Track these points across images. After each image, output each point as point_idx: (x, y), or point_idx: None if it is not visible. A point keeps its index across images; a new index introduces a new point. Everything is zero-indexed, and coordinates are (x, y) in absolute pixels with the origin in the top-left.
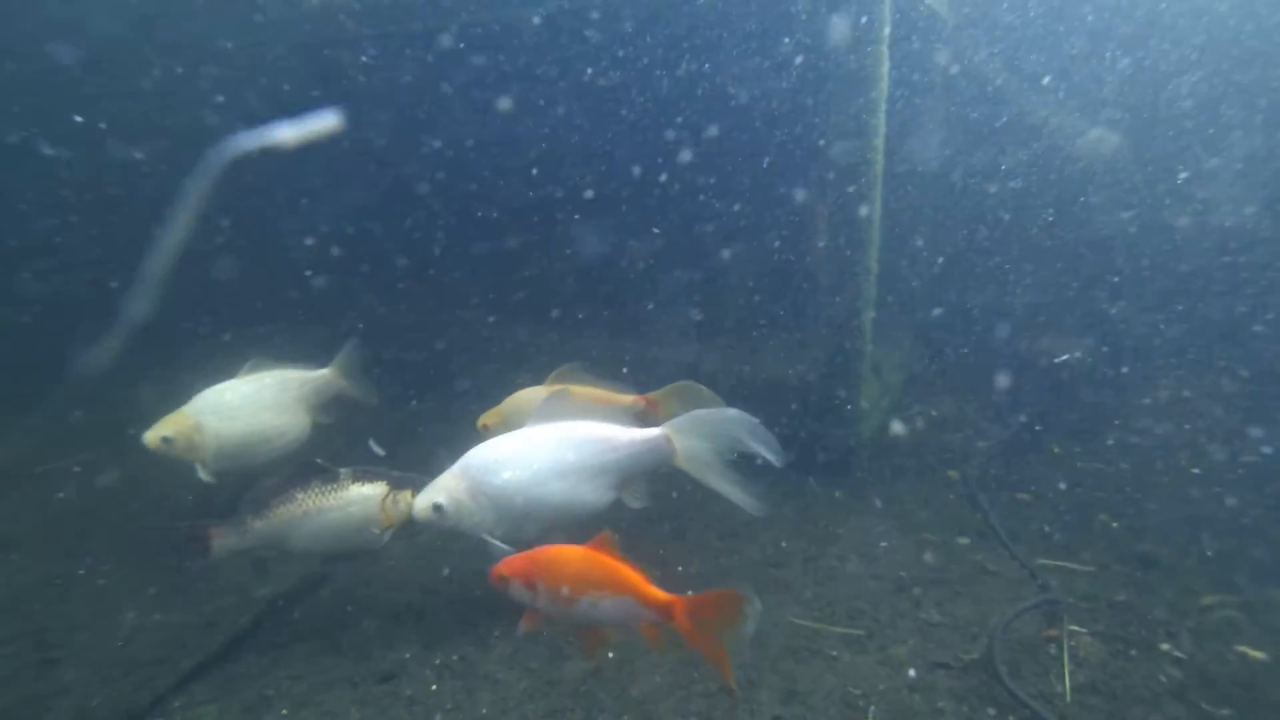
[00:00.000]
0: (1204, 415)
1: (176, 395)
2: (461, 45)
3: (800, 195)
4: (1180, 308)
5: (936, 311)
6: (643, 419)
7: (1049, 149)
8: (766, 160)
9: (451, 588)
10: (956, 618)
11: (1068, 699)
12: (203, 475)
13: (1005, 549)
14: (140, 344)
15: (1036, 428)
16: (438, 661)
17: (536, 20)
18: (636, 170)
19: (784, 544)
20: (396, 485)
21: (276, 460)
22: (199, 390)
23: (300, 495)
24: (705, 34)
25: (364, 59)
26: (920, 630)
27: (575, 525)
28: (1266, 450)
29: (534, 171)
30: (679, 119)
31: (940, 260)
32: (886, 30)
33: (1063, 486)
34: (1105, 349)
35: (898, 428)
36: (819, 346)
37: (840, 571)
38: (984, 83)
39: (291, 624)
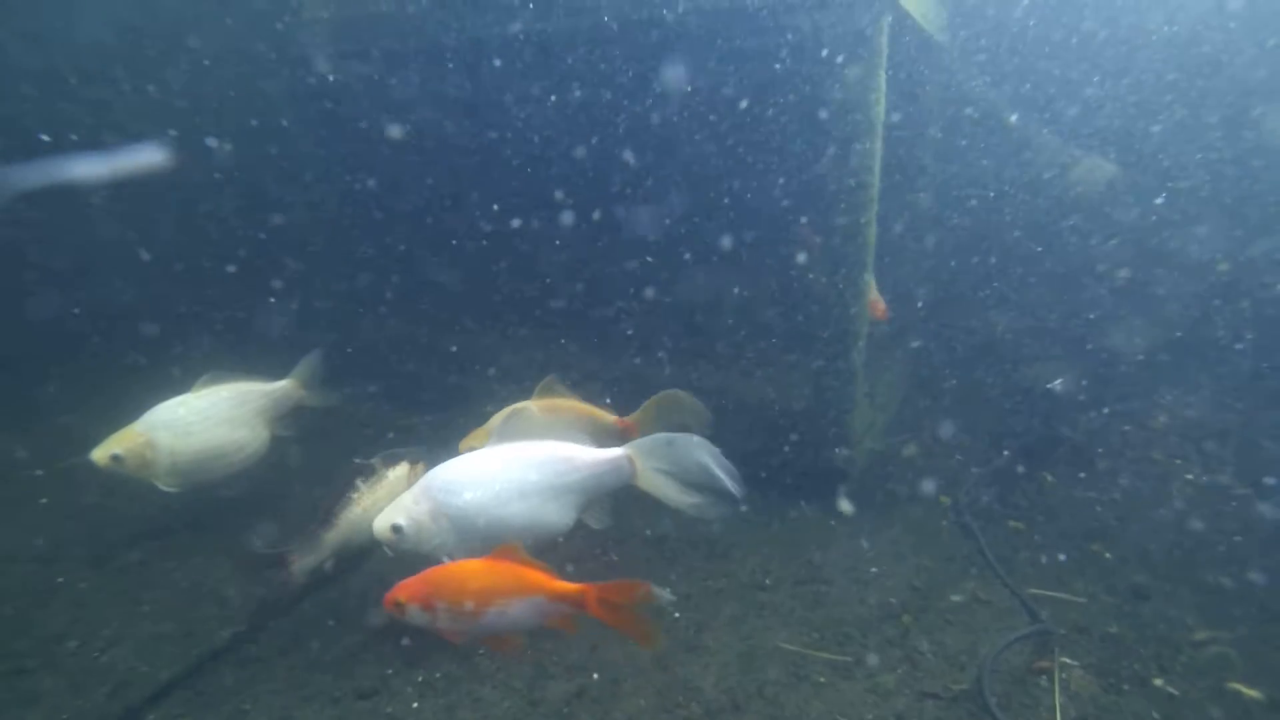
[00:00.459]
0: (1199, 446)
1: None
2: (448, 59)
3: (794, 220)
4: (1176, 336)
5: (930, 338)
6: (623, 439)
7: (1042, 177)
8: (760, 185)
9: None
10: (946, 646)
11: None
12: (164, 486)
13: (997, 577)
14: (135, 346)
15: (1030, 455)
16: (420, 679)
17: (520, 35)
18: (629, 194)
19: (773, 567)
20: (412, 460)
21: (235, 475)
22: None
23: (353, 495)
24: (698, 56)
25: (352, 74)
26: (909, 658)
27: (539, 546)
28: (1268, 481)
29: (524, 194)
30: (671, 144)
31: (934, 286)
32: (883, 56)
33: (1055, 515)
34: (1100, 377)
35: (890, 453)
36: (811, 371)
37: (829, 596)
38: (979, 109)
39: (272, 637)
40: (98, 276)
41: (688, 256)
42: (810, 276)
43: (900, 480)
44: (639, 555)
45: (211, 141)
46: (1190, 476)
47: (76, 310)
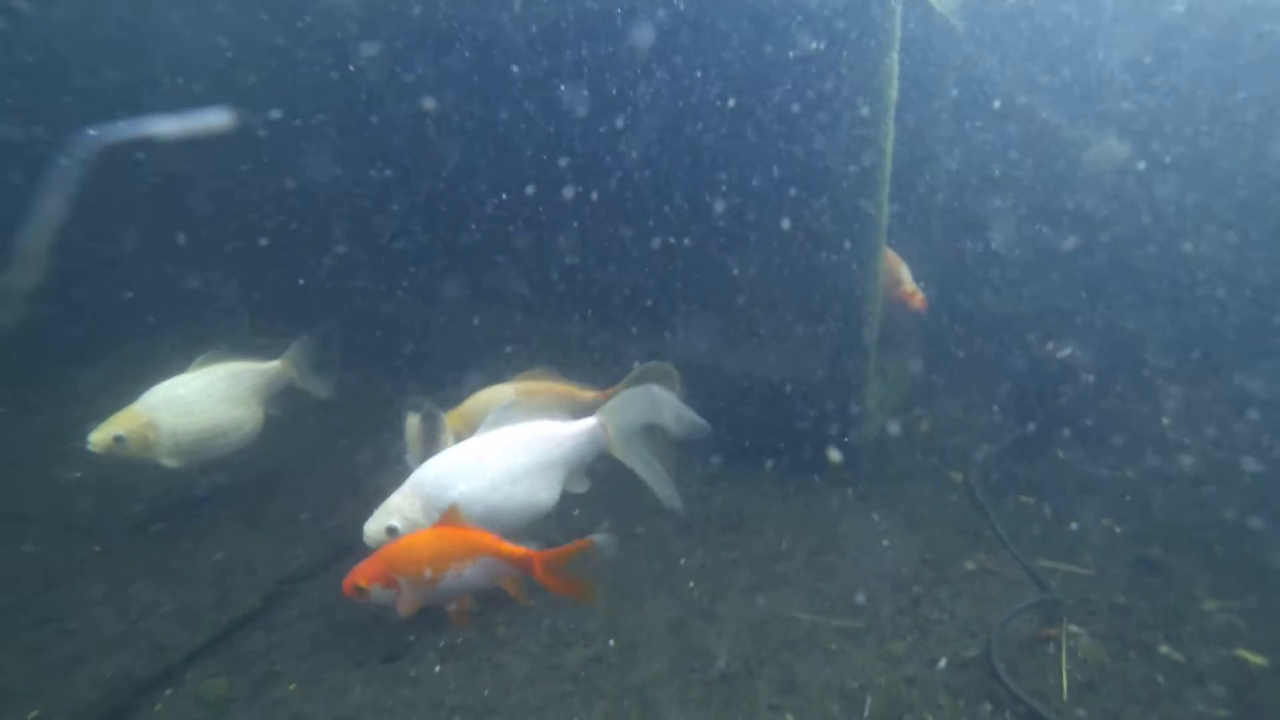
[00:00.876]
0: (1212, 423)
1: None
2: (456, 46)
3: (806, 200)
4: (1191, 314)
5: (943, 314)
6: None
7: (1057, 156)
8: (773, 161)
9: None
10: (956, 615)
11: (1064, 697)
12: (168, 462)
13: (1006, 550)
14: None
15: (1042, 432)
16: (441, 644)
17: (533, 26)
18: (640, 171)
19: (786, 539)
20: (413, 410)
21: (231, 455)
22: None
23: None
24: (711, 34)
25: (363, 59)
26: (920, 627)
27: (533, 526)
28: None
29: (536, 168)
30: (684, 121)
31: (947, 264)
32: (895, 37)
33: (1066, 490)
34: (1114, 355)
35: (902, 429)
36: (825, 347)
37: (841, 568)
38: (993, 90)
39: (299, 605)
40: (142, 261)
41: (700, 237)
42: (822, 256)
43: (912, 456)
44: (658, 529)
45: (240, 128)
46: (1202, 454)
47: (130, 294)
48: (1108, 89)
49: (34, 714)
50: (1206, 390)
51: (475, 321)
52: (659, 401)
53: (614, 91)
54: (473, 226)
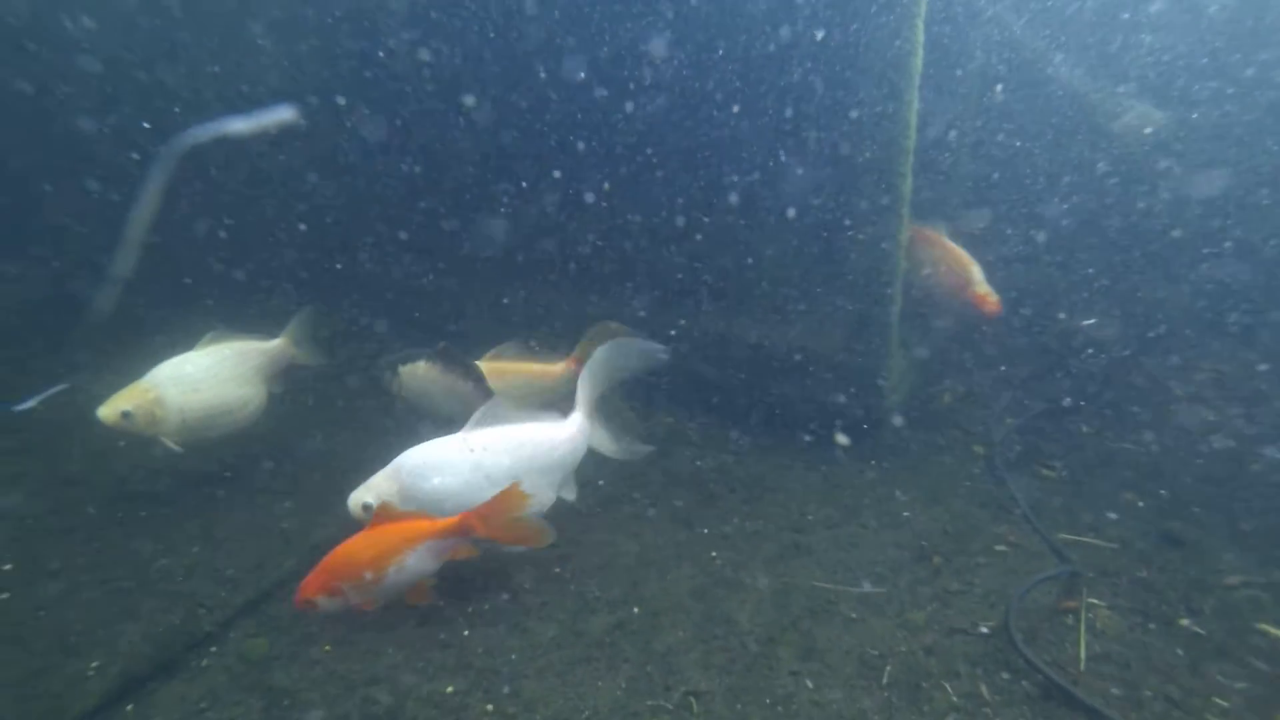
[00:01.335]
0: (1240, 399)
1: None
2: (463, 28)
3: (829, 173)
4: (1219, 290)
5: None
6: (574, 378)
7: (1088, 125)
8: (794, 136)
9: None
10: (976, 586)
11: (1082, 667)
12: (170, 445)
13: (1027, 522)
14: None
15: (1066, 406)
16: (470, 609)
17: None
18: (659, 150)
19: (809, 510)
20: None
21: (235, 433)
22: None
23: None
24: (729, 11)
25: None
26: (939, 597)
27: None
28: None
29: (555, 139)
30: (703, 99)
31: (972, 235)
32: (921, 5)
33: (1090, 465)
34: (1140, 327)
35: (925, 402)
36: (848, 319)
37: (862, 538)
38: (1021, 57)
39: None
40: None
41: (720, 214)
42: (844, 230)
43: (935, 429)
44: (679, 498)
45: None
46: (1230, 429)
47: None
48: (1135, 55)
49: (95, 664)
50: (1234, 364)
51: (505, 301)
52: (622, 357)
53: (634, 72)
54: (501, 209)
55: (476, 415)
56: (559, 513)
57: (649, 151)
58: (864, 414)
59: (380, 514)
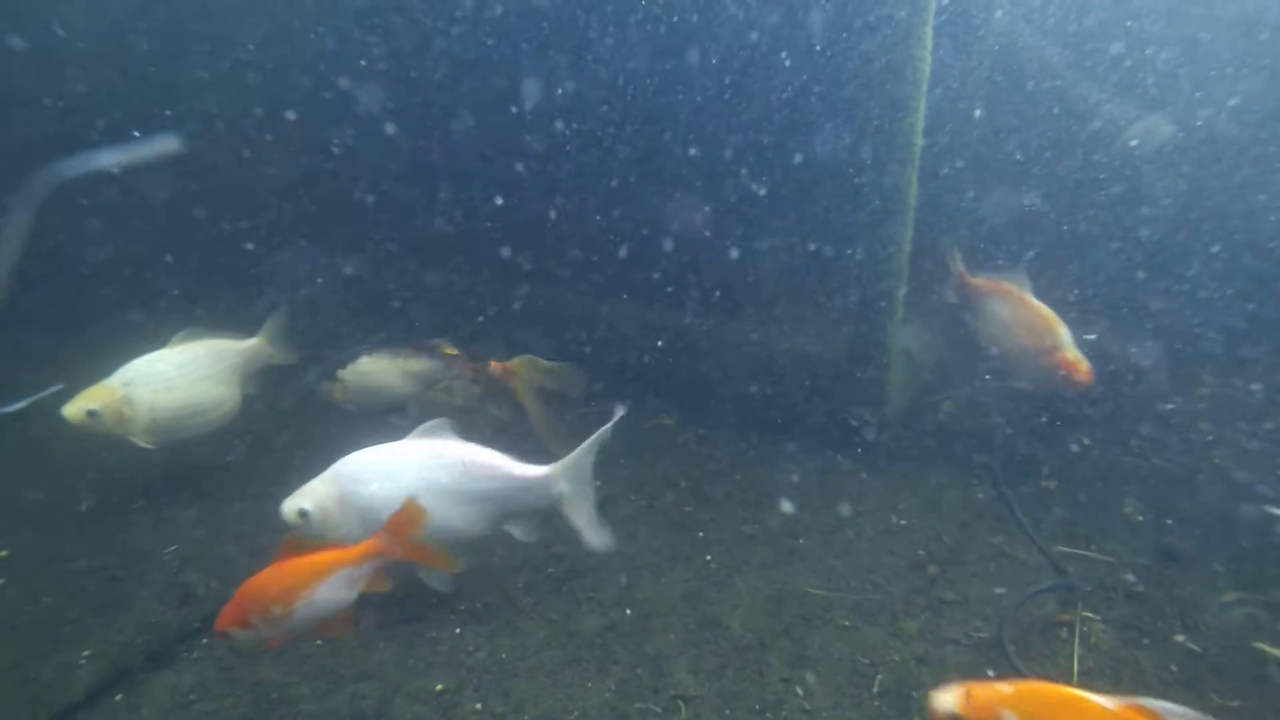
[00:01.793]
0: (1243, 414)
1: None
2: (479, 16)
3: (832, 177)
4: (1226, 304)
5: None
6: (498, 385)
7: (1097, 136)
8: (796, 141)
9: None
10: (970, 597)
11: (1074, 680)
12: (140, 443)
13: (1024, 533)
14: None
15: (1067, 419)
16: (462, 608)
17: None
18: (666, 146)
19: (805, 517)
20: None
21: (207, 435)
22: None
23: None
24: (732, 15)
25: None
26: (933, 607)
27: (454, 549)
28: None
29: (566, 145)
30: (710, 96)
31: (977, 245)
32: (929, 10)
33: (1089, 478)
34: (1144, 341)
35: (925, 410)
36: (849, 325)
37: (857, 546)
38: (1030, 64)
39: None
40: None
41: (720, 220)
42: (845, 235)
43: (934, 438)
44: (675, 502)
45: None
46: (1232, 444)
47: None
48: (1147, 65)
49: (86, 653)
50: (1239, 381)
51: (517, 306)
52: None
53: (638, 83)
54: (511, 214)
55: (421, 428)
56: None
57: (651, 160)
58: (862, 422)
59: (288, 545)
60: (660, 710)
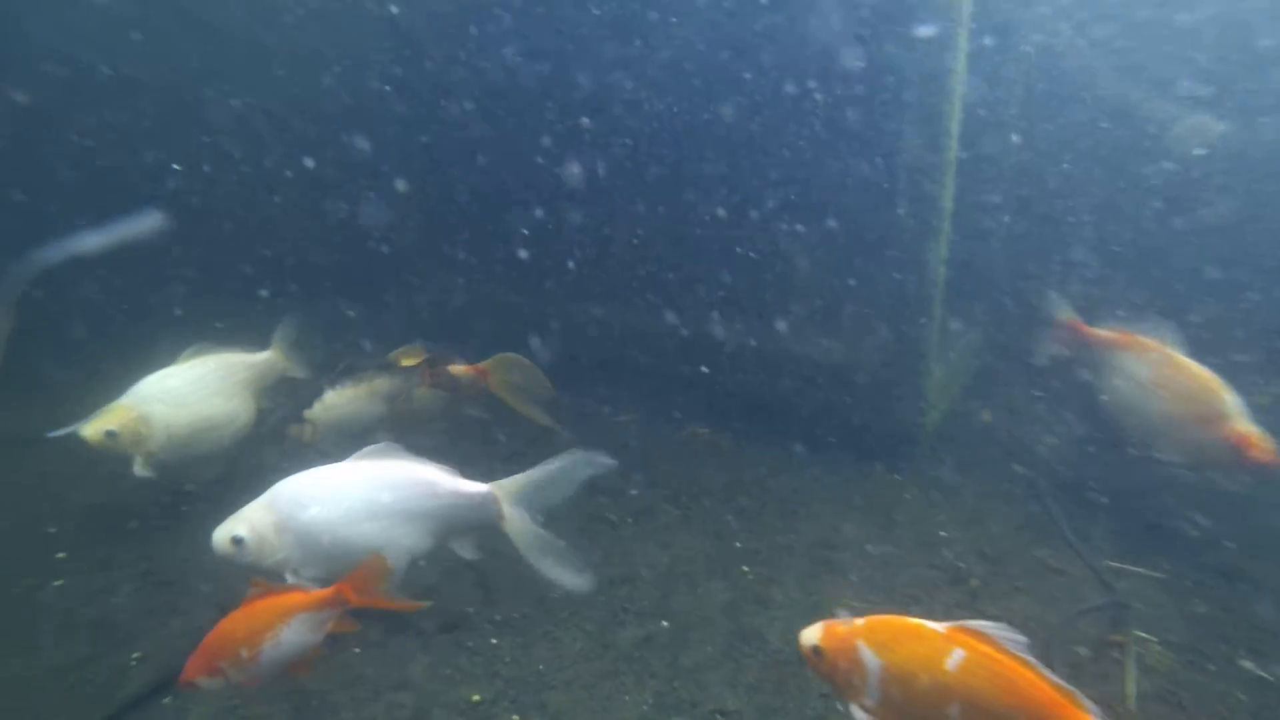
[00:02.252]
0: None
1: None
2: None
3: (868, 185)
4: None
5: (1014, 300)
6: (473, 386)
7: (1140, 136)
8: (832, 145)
9: (513, 548)
10: (1014, 613)
11: (1130, 705)
12: (140, 471)
13: (1070, 548)
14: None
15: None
16: (498, 617)
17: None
18: (703, 148)
19: (842, 527)
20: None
21: (222, 451)
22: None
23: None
24: (771, 26)
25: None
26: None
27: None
28: None
29: (596, 149)
30: (745, 109)
31: (1021, 248)
32: (965, 14)
33: (1139, 490)
34: (1198, 346)
35: (964, 418)
36: (886, 329)
37: (896, 558)
38: (1068, 64)
39: None
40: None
41: (756, 223)
42: (882, 240)
43: (974, 446)
44: (712, 512)
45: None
46: None
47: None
48: (1199, 64)
49: (136, 655)
50: None
51: (553, 320)
52: (570, 478)
53: (686, 85)
54: (531, 220)
55: (364, 450)
56: (593, 521)
57: (684, 166)
58: (900, 430)
59: (255, 589)
60: None
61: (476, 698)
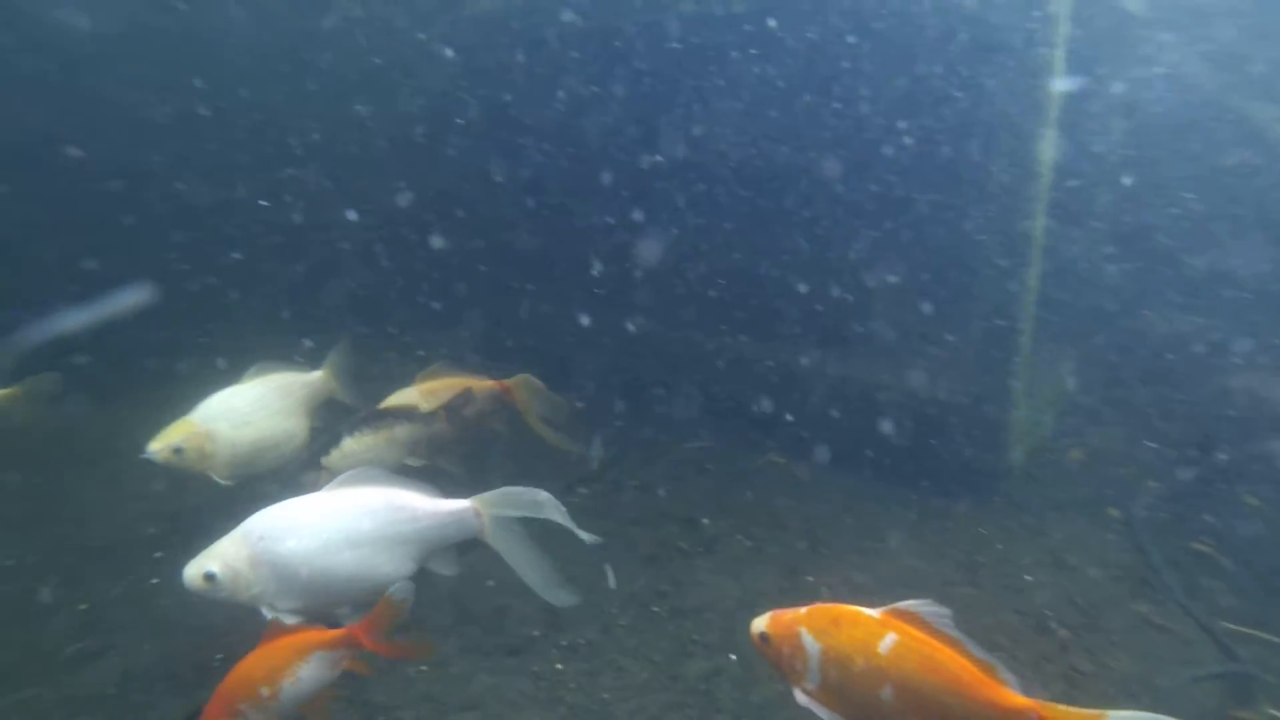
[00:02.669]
0: None
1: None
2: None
3: (951, 206)
4: None
5: (1110, 333)
6: (498, 400)
7: (1256, 155)
8: (922, 169)
9: (586, 574)
10: (1112, 670)
11: None
12: (221, 480)
13: (1176, 603)
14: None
15: (1226, 472)
16: (564, 643)
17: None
18: (789, 179)
19: (921, 566)
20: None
21: (279, 467)
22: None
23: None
24: (864, 44)
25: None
26: (1066, 677)
27: (373, 599)
28: None
29: (677, 177)
30: (832, 130)
31: (1120, 277)
32: (1063, 33)
33: (1258, 542)
34: None
35: (1054, 455)
36: (971, 362)
37: (977, 601)
38: (1179, 82)
39: (430, 591)
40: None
41: (847, 252)
42: (971, 268)
43: (1063, 486)
44: (788, 546)
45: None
46: None
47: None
48: None
49: (218, 656)
50: None
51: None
52: (544, 505)
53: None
54: (615, 241)
55: (341, 477)
56: (663, 548)
57: (768, 197)
58: (984, 465)
59: (271, 629)
60: None
61: None
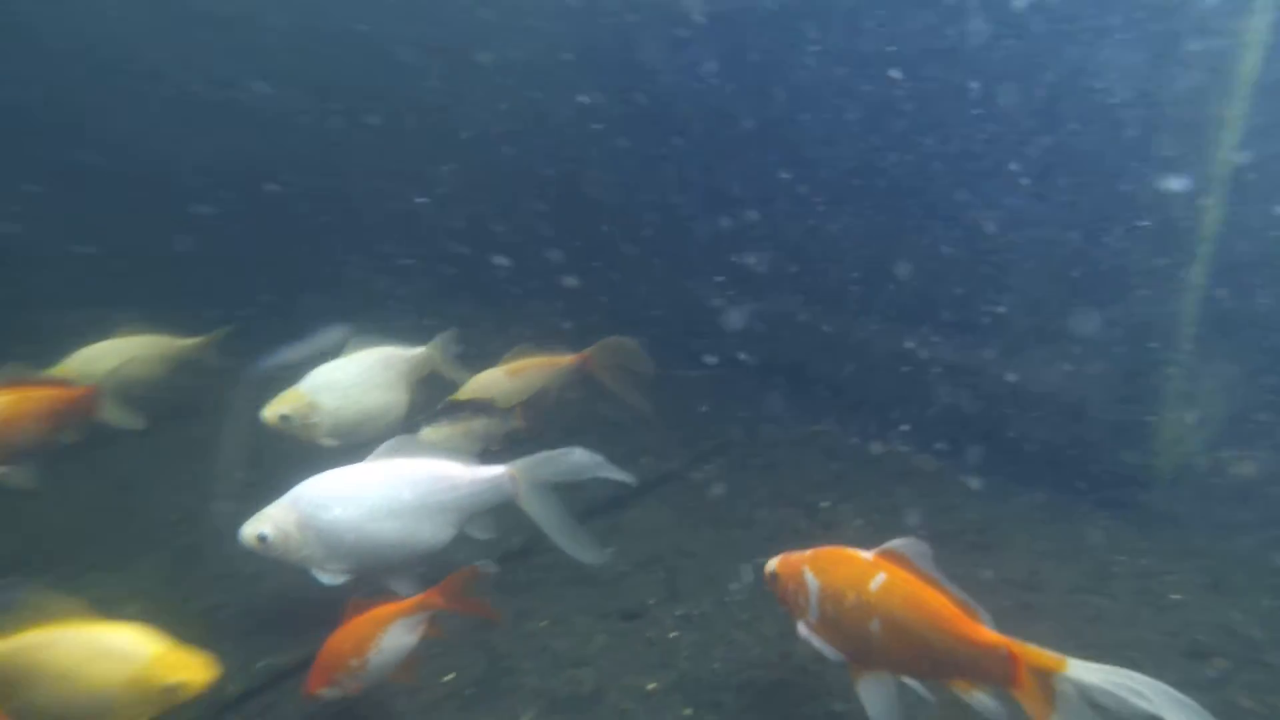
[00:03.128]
0: None
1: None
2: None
3: (1108, 194)
4: None
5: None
6: (580, 373)
7: None
8: (1072, 164)
9: (705, 548)
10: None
11: None
12: (326, 443)
13: None
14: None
15: None
16: (679, 612)
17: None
18: (939, 171)
19: (1043, 568)
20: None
21: (379, 438)
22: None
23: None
24: (1008, 42)
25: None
26: (1224, 712)
27: (415, 563)
28: None
29: (804, 163)
30: (979, 126)
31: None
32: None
33: None
34: None
35: (1215, 467)
36: (1119, 360)
37: (1111, 613)
38: None
39: (553, 552)
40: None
41: (994, 241)
42: (1122, 263)
43: (1224, 502)
44: (907, 532)
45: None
46: None
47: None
48: None
49: (262, 664)
50: None
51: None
52: (583, 464)
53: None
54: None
55: (382, 447)
56: (781, 530)
57: (917, 187)
58: (1129, 473)
59: (351, 608)
60: None
61: (652, 686)
